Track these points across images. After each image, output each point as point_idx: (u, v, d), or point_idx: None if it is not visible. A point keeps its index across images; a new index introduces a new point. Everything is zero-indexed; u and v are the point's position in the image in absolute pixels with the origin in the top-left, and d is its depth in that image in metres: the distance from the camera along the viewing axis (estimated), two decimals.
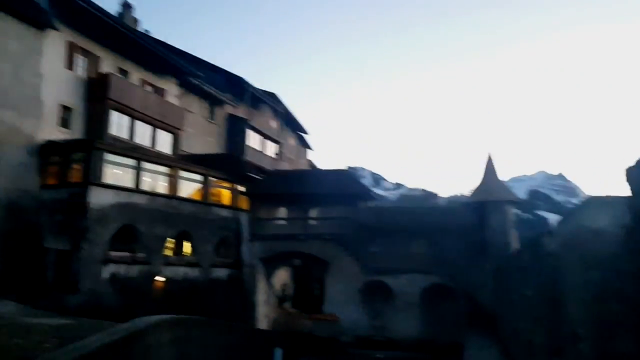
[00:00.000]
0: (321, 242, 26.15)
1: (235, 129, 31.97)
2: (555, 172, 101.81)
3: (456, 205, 37.39)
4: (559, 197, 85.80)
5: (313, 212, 29.75)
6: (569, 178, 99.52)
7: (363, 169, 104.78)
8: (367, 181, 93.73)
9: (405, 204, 55.52)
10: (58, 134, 20.91)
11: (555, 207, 68.94)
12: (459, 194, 55.10)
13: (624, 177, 4.22)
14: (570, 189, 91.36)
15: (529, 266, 10.34)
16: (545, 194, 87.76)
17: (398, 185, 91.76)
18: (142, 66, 25.79)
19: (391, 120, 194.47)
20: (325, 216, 28.24)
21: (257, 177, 28.75)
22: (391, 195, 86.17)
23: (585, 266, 5.44)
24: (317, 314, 26.48)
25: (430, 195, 59.02)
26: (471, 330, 21.25)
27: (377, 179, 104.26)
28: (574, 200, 73.65)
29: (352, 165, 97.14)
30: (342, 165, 37.18)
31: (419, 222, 26.37)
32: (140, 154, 22.34)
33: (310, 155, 47.25)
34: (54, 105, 20.96)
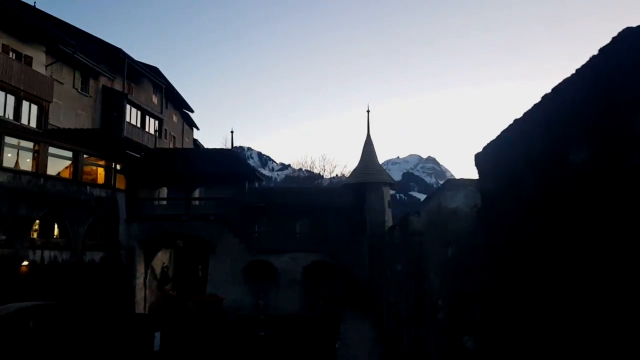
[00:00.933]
0: (205, 223, 25.73)
1: (112, 103, 30.06)
2: (426, 156, 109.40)
3: (338, 186, 38.74)
4: (430, 180, 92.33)
5: (197, 193, 29.15)
6: (440, 161, 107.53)
7: (250, 149, 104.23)
8: (254, 161, 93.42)
9: (291, 185, 56.27)
10: None
11: (427, 188, 74.11)
12: (340, 175, 56.89)
13: (474, 162, 4.75)
14: (440, 172, 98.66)
15: (399, 243, 11.13)
16: (418, 176, 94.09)
17: (284, 166, 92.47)
18: (4, 31, 23.13)
19: (280, 102, 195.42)
20: (210, 197, 27.83)
21: (136, 155, 27.42)
22: (277, 175, 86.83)
23: (444, 242, 6.00)
24: (200, 295, 26.16)
25: (314, 176, 60.28)
26: (348, 303, 22.38)
27: (264, 160, 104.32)
28: None
29: (240, 145, 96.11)
30: (229, 145, 36.61)
31: (303, 202, 27.02)
32: (1, 127, 20.23)
33: (196, 134, 46.00)
34: None
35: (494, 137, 4.27)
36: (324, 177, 59.70)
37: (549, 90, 3.14)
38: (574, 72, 2.85)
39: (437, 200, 6.67)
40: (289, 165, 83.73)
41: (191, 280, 30.14)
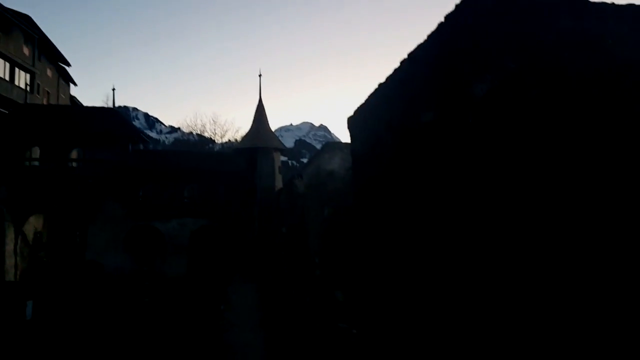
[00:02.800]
0: (83, 186, 24.20)
1: None
2: (318, 124, 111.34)
3: (229, 151, 38.25)
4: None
5: (75, 154, 27.23)
6: (330, 129, 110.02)
7: (136, 109, 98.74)
8: (140, 123, 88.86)
9: (180, 149, 54.47)
10: None
11: None
12: (233, 140, 56.16)
13: (346, 125, 4.98)
14: (331, 140, 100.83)
15: (285, 207, 11.41)
16: (310, 143, 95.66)
17: (173, 129, 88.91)
18: None
19: (169, 60, 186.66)
20: (89, 158, 26.16)
21: (4, 110, 24.87)
22: (166, 139, 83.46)
23: (322, 203, 6.28)
24: (78, 262, 24.78)
25: (205, 141, 58.85)
26: (236, 268, 22.54)
27: (152, 121, 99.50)
28: None
29: (124, 104, 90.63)
30: (111, 105, 34.32)
31: (192, 166, 26.41)
32: None
33: (74, 91, 42.55)
34: None
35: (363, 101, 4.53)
36: (215, 141, 58.53)
37: (406, 56, 3.40)
38: (426, 37, 3.11)
39: (317, 163, 6.93)
40: (179, 128, 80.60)
41: (68, 246, 28.37)
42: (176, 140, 74.84)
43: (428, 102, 3.02)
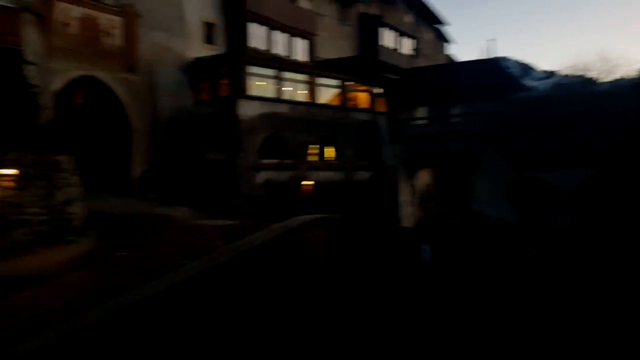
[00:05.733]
0: (464, 139, 25.14)
1: (368, 29, 30.99)
2: None
3: (621, 88, 33.03)
4: None
5: (455, 110, 28.57)
6: None
7: (508, 58, 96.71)
8: (513, 72, 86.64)
9: (557, 93, 50.53)
10: (204, 51, 22.12)
11: None
12: (624, 76, 48.27)
13: None
14: None
15: None
16: None
17: (549, 74, 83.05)
18: None
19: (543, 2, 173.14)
20: (468, 112, 26.95)
21: (393, 77, 28.03)
22: (542, 85, 78.88)
23: None
24: (464, 212, 26.14)
25: (588, 82, 52.64)
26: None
27: (525, 69, 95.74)
28: None
29: (496, 55, 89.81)
30: (486, 56, 34.37)
31: (575, 110, 23.99)
32: (280, 64, 22.86)
33: (450, 49, 44.51)
34: (197, 23, 22.07)
35: None
36: (599, 80, 51.64)
37: None
38: None
39: None
40: (553, 72, 74.75)
41: (453, 197, 30.29)
42: (554, 84, 69.65)
43: None
